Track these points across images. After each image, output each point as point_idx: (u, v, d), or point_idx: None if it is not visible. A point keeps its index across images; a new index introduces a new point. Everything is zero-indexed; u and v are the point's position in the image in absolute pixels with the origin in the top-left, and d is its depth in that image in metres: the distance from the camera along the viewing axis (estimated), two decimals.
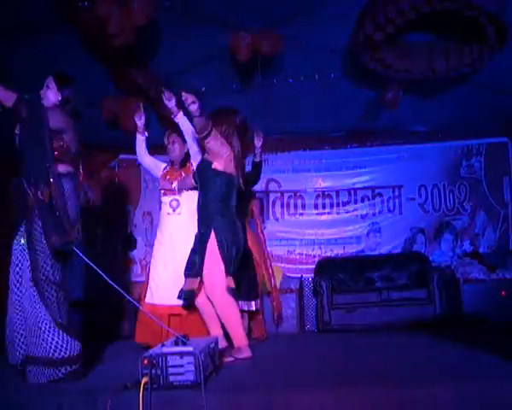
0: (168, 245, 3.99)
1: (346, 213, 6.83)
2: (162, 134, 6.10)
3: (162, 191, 4.11)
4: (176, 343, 2.57)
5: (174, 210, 4.01)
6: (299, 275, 6.46)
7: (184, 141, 4.03)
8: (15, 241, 2.92)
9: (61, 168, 2.90)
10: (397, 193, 6.78)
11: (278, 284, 5.98)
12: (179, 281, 3.60)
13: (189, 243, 3.63)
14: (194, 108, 3.16)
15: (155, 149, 6.76)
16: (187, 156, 4.12)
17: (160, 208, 4.18)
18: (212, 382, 2.58)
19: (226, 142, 3.50)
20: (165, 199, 4.06)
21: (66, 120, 3.00)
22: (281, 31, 4.24)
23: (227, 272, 3.36)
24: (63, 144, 2.93)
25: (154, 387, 2.36)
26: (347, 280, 6.22)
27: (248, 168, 4.51)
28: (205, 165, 3.57)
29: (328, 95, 5.45)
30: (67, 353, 2.76)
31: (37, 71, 4.70)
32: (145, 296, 4.04)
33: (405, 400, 2.28)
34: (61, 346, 2.74)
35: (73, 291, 3.71)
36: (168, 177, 4.11)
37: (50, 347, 2.72)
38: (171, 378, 2.41)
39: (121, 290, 2.89)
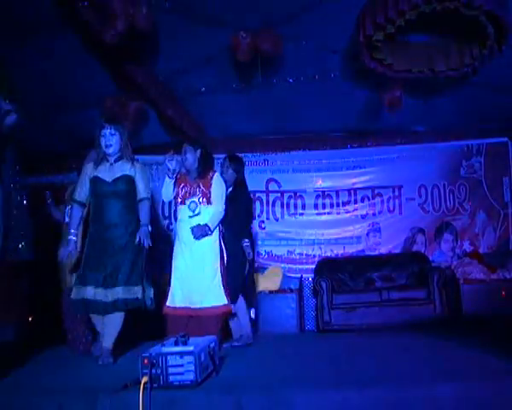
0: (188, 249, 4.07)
1: (346, 213, 6.83)
2: (162, 133, 6.15)
3: (179, 200, 4.11)
4: (176, 343, 2.57)
5: (194, 211, 4.05)
6: (299, 275, 6.47)
7: (195, 149, 4.14)
8: None
9: None
10: (397, 193, 6.78)
11: (278, 285, 5.98)
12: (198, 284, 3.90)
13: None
14: None
15: (155, 148, 6.82)
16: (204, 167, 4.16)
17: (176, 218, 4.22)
18: (212, 382, 2.58)
19: None
20: (183, 206, 4.11)
21: None
22: (281, 31, 4.24)
23: None
24: None
25: (154, 386, 2.36)
26: (347, 280, 6.22)
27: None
28: None
29: (328, 95, 5.45)
30: None
31: (37, 71, 4.73)
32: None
33: (405, 400, 2.28)
34: None
35: None
36: (183, 184, 4.14)
37: None
38: (171, 378, 2.41)
39: None
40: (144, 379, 2.33)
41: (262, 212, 6.74)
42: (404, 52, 4.55)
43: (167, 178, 4.07)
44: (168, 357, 2.42)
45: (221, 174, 4.53)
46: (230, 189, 4.46)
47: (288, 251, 6.74)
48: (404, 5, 3.82)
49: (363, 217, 6.80)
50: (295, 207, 6.86)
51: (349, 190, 6.85)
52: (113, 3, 3.60)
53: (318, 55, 4.74)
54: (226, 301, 3.96)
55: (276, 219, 6.82)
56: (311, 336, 5.65)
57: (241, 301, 4.31)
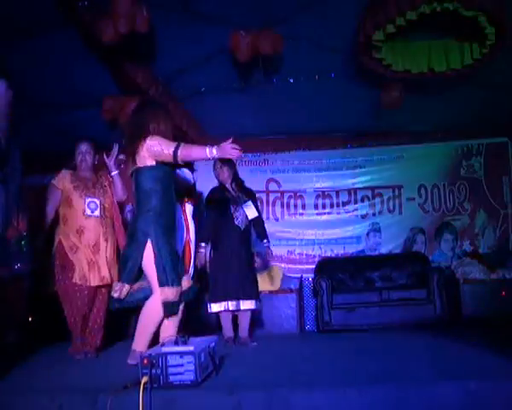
0: None
1: (346, 213, 6.83)
2: None
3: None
4: (176, 343, 2.57)
5: None
6: (299, 275, 6.46)
7: None
8: None
9: None
10: (397, 193, 6.78)
11: (278, 285, 5.98)
12: None
13: None
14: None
15: None
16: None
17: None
18: (212, 382, 2.58)
19: None
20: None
21: None
22: (281, 31, 4.24)
23: None
24: None
25: (154, 387, 2.36)
26: (347, 280, 6.22)
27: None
28: None
29: (328, 95, 5.45)
30: None
31: (37, 71, 4.73)
32: None
33: (405, 400, 2.28)
34: None
35: None
36: None
37: None
38: (171, 378, 2.41)
39: None
40: (144, 379, 2.33)
41: (262, 212, 6.72)
42: (404, 52, 4.55)
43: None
44: (168, 357, 2.42)
45: (217, 176, 4.57)
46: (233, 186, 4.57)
47: (288, 251, 6.74)
48: (404, 5, 3.83)
49: (363, 217, 6.80)
50: (295, 207, 6.86)
51: (349, 190, 6.85)
52: (117, 3, 3.61)
53: (318, 55, 4.75)
54: None
55: (276, 219, 6.82)
56: (311, 336, 5.64)
57: None
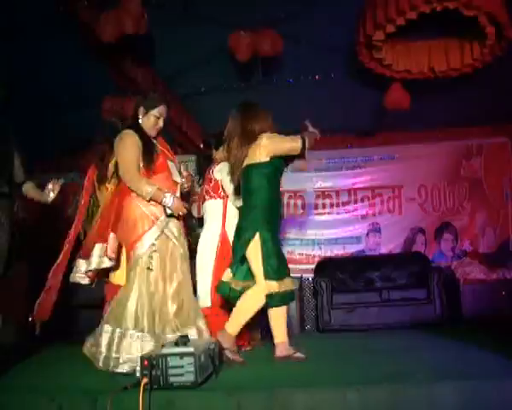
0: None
1: (346, 213, 6.83)
2: (162, 134, 6.13)
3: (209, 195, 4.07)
4: (176, 344, 2.56)
5: None
6: (299, 275, 6.46)
7: None
8: None
9: None
10: (397, 193, 6.78)
11: None
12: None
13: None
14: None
15: None
16: None
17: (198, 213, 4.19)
18: (212, 383, 2.57)
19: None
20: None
21: None
22: (281, 30, 4.24)
23: None
24: None
25: (154, 387, 2.35)
26: (347, 280, 6.22)
27: None
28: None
29: (329, 95, 5.45)
30: None
31: (37, 71, 4.73)
32: None
33: (405, 400, 2.28)
34: None
35: None
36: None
37: None
38: (171, 379, 2.40)
39: None
40: (144, 380, 2.33)
41: None
42: (404, 52, 4.55)
43: None
44: (168, 358, 2.41)
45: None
46: None
47: (288, 251, 6.74)
48: (404, 5, 3.82)
49: (363, 217, 6.80)
50: (295, 207, 6.86)
51: (349, 190, 6.85)
52: (127, 4, 3.62)
53: (318, 55, 4.74)
54: None
55: None
56: (311, 336, 5.64)
57: None
